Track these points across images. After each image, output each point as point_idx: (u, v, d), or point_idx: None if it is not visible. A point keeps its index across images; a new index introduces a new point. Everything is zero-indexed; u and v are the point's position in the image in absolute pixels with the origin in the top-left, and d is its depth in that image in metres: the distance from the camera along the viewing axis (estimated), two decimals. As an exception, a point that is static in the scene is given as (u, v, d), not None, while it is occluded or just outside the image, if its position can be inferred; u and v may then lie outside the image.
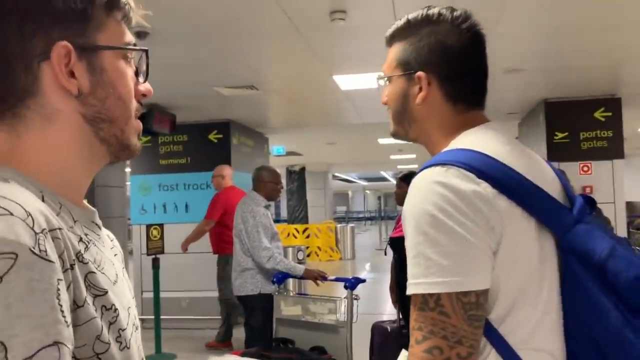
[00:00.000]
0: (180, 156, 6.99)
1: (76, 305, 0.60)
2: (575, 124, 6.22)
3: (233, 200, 5.47)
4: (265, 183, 4.12)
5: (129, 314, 0.71)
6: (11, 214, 0.55)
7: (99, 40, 0.70)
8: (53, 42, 0.66)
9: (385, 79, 1.15)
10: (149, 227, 5.93)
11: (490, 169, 0.93)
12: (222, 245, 5.57)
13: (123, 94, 0.72)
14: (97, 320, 0.63)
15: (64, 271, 0.58)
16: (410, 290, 0.92)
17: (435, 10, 1.08)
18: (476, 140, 1.01)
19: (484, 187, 0.91)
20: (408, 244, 0.94)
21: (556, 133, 6.27)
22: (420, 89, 1.07)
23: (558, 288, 0.96)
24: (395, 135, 1.19)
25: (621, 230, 6.12)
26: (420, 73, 1.06)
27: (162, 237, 5.92)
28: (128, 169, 7.40)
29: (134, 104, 0.75)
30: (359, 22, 3.59)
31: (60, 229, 0.60)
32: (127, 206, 7.42)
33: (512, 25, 3.75)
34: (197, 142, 6.94)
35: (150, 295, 5.80)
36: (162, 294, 5.78)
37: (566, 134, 6.24)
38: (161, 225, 6.01)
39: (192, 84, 5.17)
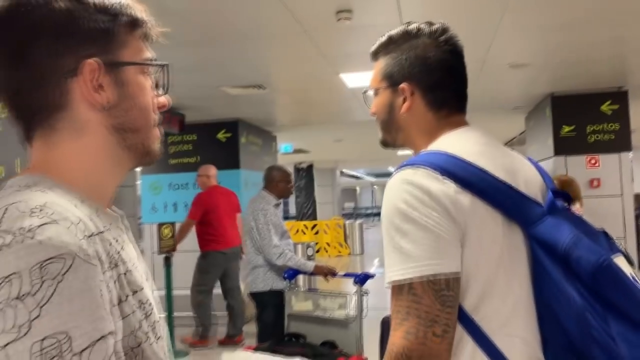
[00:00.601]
0: (189, 155, 7.07)
1: (119, 300, 0.66)
2: (582, 117, 6.23)
3: (215, 200, 5.70)
4: (277, 182, 4.19)
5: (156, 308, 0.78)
6: (60, 221, 0.62)
7: (122, 56, 0.76)
8: (81, 59, 0.72)
9: (372, 91, 1.25)
10: (160, 225, 6.01)
11: (455, 168, 1.01)
12: (204, 242, 5.83)
13: (144, 105, 0.78)
14: (136, 314, 0.70)
15: (108, 270, 0.65)
16: (386, 280, 1.00)
17: (414, 26, 1.18)
18: (449, 142, 1.10)
19: (448, 185, 1.00)
20: (384, 238, 1.03)
21: (563, 127, 6.28)
22: (405, 100, 1.17)
23: (529, 278, 1.03)
24: (384, 143, 1.29)
25: (629, 223, 6.13)
26: (403, 85, 1.16)
27: (173, 236, 6.00)
28: (138, 169, 7.49)
29: (154, 115, 0.81)
30: (365, 21, 3.63)
31: (101, 232, 0.67)
32: (138, 205, 7.52)
33: (517, 19, 3.78)
34: (206, 141, 7.01)
35: (163, 293, 5.89)
36: (175, 292, 5.87)
37: (573, 127, 6.25)
38: (173, 224, 6.09)
39: (200, 85, 5.23)
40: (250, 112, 6.82)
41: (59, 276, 0.58)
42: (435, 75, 1.16)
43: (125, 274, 0.70)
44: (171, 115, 6.06)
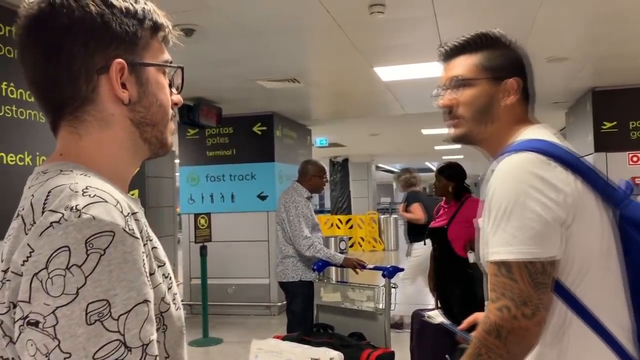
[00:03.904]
0: (226, 148, 7.20)
1: (150, 273, 0.74)
2: (624, 112, 6.03)
3: None
4: (311, 177, 4.25)
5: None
6: (106, 201, 0.69)
7: (145, 57, 0.83)
8: (110, 58, 0.79)
9: (463, 82, 1.28)
10: (196, 216, 6.16)
11: (561, 153, 1.11)
12: None
13: (163, 102, 0.86)
14: (162, 285, 0.77)
15: (144, 245, 0.73)
16: (487, 258, 1.10)
17: (505, 36, 1.30)
18: (539, 133, 1.19)
19: (558, 169, 1.08)
20: (490, 218, 1.10)
21: (604, 122, 6.10)
22: (508, 94, 1.25)
23: (621, 256, 1.10)
24: (462, 136, 1.31)
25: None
26: (512, 80, 1.25)
27: (209, 226, 6.14)
28: (177, 161, 7.68)
29: (171, 110, 0.89)
30: (398, 14, 3.63)
31: (135, 212, 0.75)
32: (177, 196, 7.72)
33: (554, 12, 3.71)
34: (242, 134, 7.13)
35: (198, 282, 6.04)
36: (209, 281, 6.01)
37: (614, 123, 6.07)
38: (208, 215, 6.23)
39: (236, 78, 5.32)
40: (286, 105, 6.89)
41: (102, 250, 0.65)
42: (528, 77, 1.27)
43: (153, 249, 0.78)
44: (209, 108, 6.19)
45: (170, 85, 0.89)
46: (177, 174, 7.79)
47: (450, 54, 1.31)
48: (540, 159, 1.09)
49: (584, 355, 1.09)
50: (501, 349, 1.05)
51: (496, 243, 1.08)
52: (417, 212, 5.69)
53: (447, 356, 3.88)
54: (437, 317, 1.78)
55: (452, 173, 3.96)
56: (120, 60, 0.79)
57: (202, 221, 6.10)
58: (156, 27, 0.85)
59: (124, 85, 0.80)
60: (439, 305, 3.97)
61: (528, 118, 1.28)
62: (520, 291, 1.04)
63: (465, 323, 1.52)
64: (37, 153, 3.06)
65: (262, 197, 7.05)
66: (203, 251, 5.92)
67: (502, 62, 1.26)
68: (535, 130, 1.22)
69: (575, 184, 1.08)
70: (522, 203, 1.06)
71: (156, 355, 0.68)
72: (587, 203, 1.08)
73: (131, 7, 0.81)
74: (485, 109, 1.25)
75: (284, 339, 3.36)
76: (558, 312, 1.09)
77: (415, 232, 5.67)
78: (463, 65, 1.28)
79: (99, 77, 0.79)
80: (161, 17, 0.86)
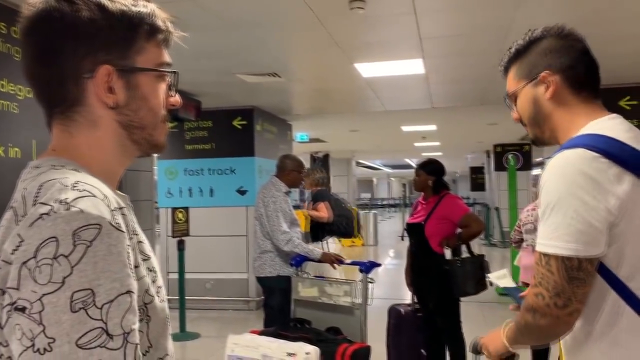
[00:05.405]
0: (205, 142, 7.15)
1: (135, 266, 0.76)
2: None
3: None
4: (289, 172, 4.24)
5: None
6: (94, 195, 0.72)
7: (137, 62, 0.85)
8: (99, 63, 0.81)
9: (511, 97, 1.37)
10: (174, 210, 6.11)
11: (613, 149, 1.12)
12: None
13: (153, 106, 0.88)
14: (146, 278, 0.80)
15: (129, 239, 0.75)
16: (536, 247, 1.18)
17: (538, 31, 1.32)
18: (603, 126, 1.19)
19: (607, 165, 1.10)
20: (541, 210, 1.17)
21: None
22: (547, 87, 1.27)
23: None
24: (534, 140, 1.38)
25: None
26: (543, 73, 1.27)
27: (187, 220, 6.09)
28: (155, 155, 7.58)
29: (163, 113, 0.90)
30: (378, 10, 3.64)
31: (122, 207, 0.78)
32: (155, 190, 7.64)
33: (532, 11, 3.75)
34: (221, 128, 7.09)
35: (176, 276, 6.00)
36: (187, 276, 5.97)
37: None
38: (186, 209, 6.18)
39: (216, 71, 5.28)
40: (266, 100, 6.86)
41: (89, 242, 0.68)
42: (567, 59, 1.26)
43: (138, 243, 0.81)
44: (187, 101, 6.13)
45: (170, 87, 0.91)
46: (155, 167, 7.71)
47: (504, 74, 1.40)
48: (590, 155, 1.11)
49: (636, 344, 1.13)
50: (534, 327, 1.18)
51: (541, 235, 1.16)
52: (324, 211, 5.57)
53: (422, 350, 3.93)
54: (503, 278, 1.76)
55: (432, 168, 4.00)
56: (107, 66, 0.81)
57: (180, 215, 6.05)
58: (153, 30, 0.86)
59: (112, 89, 0.82)
60: (415, 300, 4.01)
61: (592, 108, 1.26)
62: (555, 283, 1.12)
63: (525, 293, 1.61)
64: (10, 144, 3.00)
65: (242, 192, 7.02)
66: (180, 245, 5.88)
67: (532, 61, 1.30)
68: (599, 123, 1.21)
69: (628, 182, 1.10)
70: (566, 200, 1.11)
71: (137, 344, 0.70)
72: (637, 200, 1.10)
73: (128, 11, 0.82)
74: (535, 111, 1.31)
75: (261, 333, 3.35)
76: (611, 304, 1.13)
77: (317, 231, 5.57)
78: (508, 82, 1.38)
79: (87, 80, 0.81)
80: (160, 20, 0.87)
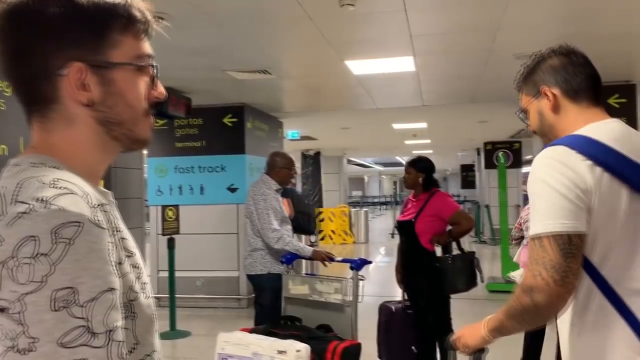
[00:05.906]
0: (195, 139, 7.11)
1: (118, 262, 0.75)
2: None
3: None
4: (279, 169, 4.22)
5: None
6: (73, 193, 0.71)
7: (112, 56, 0.81)
8: (71, 60, 0.78)
9: (524, 112, 1.53)
10: (164, 208, 6.08)
11: (588, 147, 1.26)
12: None
13: (131, 100, 0.84)
14: (130, 275, 0.79)
15: (111, 236, 0.74)
16: (529, 234, 1.29)
17: (545, 51, 1.47)
18: (590, 129, 1.32)
19: (581, 160, 1.24)
20: (530, 202, 1.30)
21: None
22: (549, 99, 1.42)
23: None
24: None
25: None
26: (542, 87, 1.43)
27: (177, 218, 6.06)
28: (145, 151, 7.54)
29: (143, 107, 0.86)
30: (369, 8, 3.63)
31: (104, 204, 0.76)
32: (144, 188, 7.59)
33: (521, 10, 3.76)
34: (212, 125, 7.05)
35: (166, 274, 5.97)
36: (177, 274, 5.94)
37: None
38: (176, 207, 6.15)
39: (206, 68, 5.25)
40: (257, 97, 6.84)
41: (70, 240, 0.67)
42: (565, 72, 1.41)
43: (121, 240, 0.80)
44: (177, 98, 6.09)
45: (154, 79, 0.88)
46: (145, 165, 7.66)
47: (518, 90, 1.54)
48: (566, 150, 1.25)
49: (601, 331, 1.24)
50: (531, 307, 1.25)
51: (532, 222, 1.27)
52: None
53: (412, 347, 3.94)
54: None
55: (422, 166, 4.01)
56: (78, 63, 0.79)
57: (170, 213, 6.02)
58: (129, 22, 0.83)
59: (87, 86, 0.80)
60: (406, 297, 4.01)
61: (592, 113, 1.38)
62: (551, 260, 1.21)
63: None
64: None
65: (232, 190, 7.00)
66: (171, 243, 5.85)
67: (537, 78, 1.45)
68: (593, 125, 1.33)
69: (599, 175, 1.22)
70: (546, 184, 1.24)
71: (121, 341, 0.70)
72: (611, 193, 1.23)
73: (99, 3, 0.79)
74: (542, 122, 1.46)
75: (252, 331, 3.34)
76: (586, 288, 1.25)
77: None
78: (521, 99, 1.53)
79: (59, 78, 0.79)
80: (137, 10, 0.83)
